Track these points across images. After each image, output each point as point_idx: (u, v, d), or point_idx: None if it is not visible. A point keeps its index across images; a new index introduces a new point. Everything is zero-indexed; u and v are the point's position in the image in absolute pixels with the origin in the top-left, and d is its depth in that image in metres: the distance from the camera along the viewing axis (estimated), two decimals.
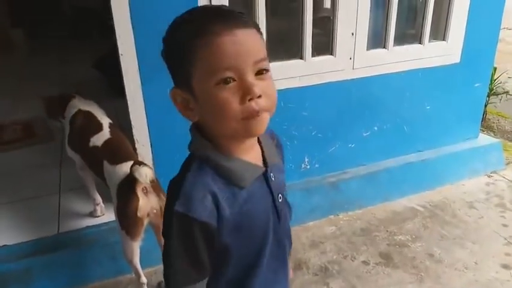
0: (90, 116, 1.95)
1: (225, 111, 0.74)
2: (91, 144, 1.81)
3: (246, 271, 0.86)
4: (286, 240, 0.93)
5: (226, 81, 0.72)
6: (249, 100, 0.73)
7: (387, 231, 2.26)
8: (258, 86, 0.74)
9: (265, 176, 0.85)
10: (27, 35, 5.67)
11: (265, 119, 0.77)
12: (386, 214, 2.40)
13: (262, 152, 0.86)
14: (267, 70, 0.77)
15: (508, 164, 2.89)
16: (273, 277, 0.91)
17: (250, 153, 0.83)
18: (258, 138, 0.85)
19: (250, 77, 0.73)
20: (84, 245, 1.91)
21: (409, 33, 2.48)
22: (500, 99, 3.66)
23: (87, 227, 1.95)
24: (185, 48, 0.73)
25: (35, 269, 1.85)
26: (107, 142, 1.79)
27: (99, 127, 1.87)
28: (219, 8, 0.79)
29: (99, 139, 1.81)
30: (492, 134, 3.35)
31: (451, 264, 2.02)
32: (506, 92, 3.69)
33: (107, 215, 2.01)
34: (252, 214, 0.82)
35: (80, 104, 2.01)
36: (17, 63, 5.06)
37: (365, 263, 2.04)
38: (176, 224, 0.77)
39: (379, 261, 2.05)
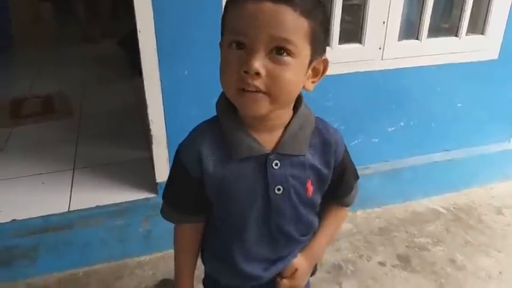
0: None
1: (225, 72, 0.76)
2: None
3: (231, 236, 0.90)
4: (280, 236, 0.89)
5: (238, 45, 0.73)
6: (245, 72, 0.71)
7: (407, 232, 2.15)
8: (262, 63, 0.70)
9: (266, 160, 0.82)
10: (55, 9, 5.66)
11: (259, 100, 0.73)
12: (407, 214, 2.29)
13: (281, 138, 0.83)
14: (288, 53, 0.71)
15: None
16: (262, 260, 0.92)
17: (263, 134, 0.82)
18: (288, 125, 0.83)
19: (258, 52, 0.71)
20: (92, 225, 1.87)
21: (444, 25, 2.32)
22: None
23: (97, 206, 1.90)
24: (225, 9, 0.78)
25: (43, 245, 1.83)
26: None
27: None
28: None
29: None
30: None
31: (473, 272, 1.91)
32: None
33: (116, 196, 1.97)
34: (234, 186, 0.84)
35: None
36: (43, 37, 5.08)
37: (381, 264, 1.95)
38: (174, 157, 0.89)
39: (396, 263, 1.95)
